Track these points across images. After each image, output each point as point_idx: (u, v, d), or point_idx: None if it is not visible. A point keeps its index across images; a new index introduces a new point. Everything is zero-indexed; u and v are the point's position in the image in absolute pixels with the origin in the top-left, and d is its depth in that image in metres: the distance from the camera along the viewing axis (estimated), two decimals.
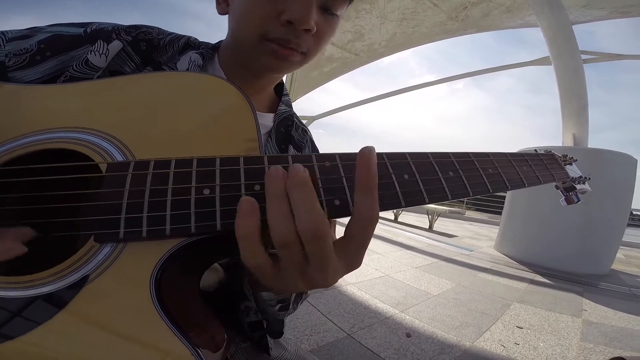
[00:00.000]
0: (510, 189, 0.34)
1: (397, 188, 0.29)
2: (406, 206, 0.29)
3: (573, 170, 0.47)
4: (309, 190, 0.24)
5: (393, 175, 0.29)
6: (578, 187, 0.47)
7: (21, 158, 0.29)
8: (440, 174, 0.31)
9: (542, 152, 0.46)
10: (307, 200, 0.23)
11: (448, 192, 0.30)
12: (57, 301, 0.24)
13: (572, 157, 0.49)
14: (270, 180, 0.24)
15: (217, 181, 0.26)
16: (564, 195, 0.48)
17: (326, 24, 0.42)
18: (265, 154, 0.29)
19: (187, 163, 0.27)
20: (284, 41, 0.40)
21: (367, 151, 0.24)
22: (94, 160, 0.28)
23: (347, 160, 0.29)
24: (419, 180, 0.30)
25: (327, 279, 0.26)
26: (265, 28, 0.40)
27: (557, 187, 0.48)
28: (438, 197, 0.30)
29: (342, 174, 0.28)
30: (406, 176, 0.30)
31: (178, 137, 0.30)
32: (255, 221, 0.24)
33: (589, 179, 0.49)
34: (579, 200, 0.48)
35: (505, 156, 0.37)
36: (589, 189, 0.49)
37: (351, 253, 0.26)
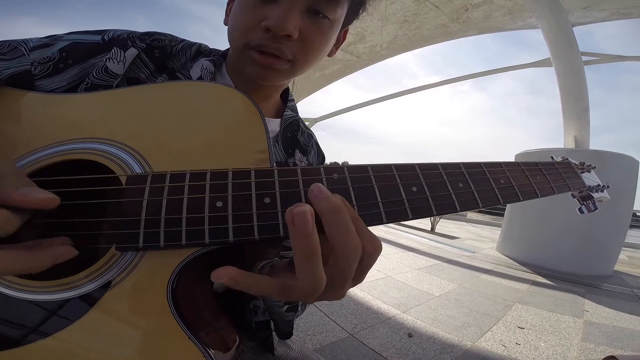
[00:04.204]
0: (522, 200, 0.34)
1: (406, 204, 0.28)
2: (413, 218, 0.29)
3: (591, 178, 0.45)
4: (344, 214, 0.24)
5: (401, 187, 0.29)
6: (595, 195, 0.45)
7: (46, 168, 0.30)
8: (449, 186, 0.30)
9: (559, 159, 0.44)
10: (344, 222, 0.24)
11: (457, 206, 0.30)
12: (78, 307, 0.25)
13: (590, 165, 0.47)
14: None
15: (230, 193, 0.27)
16: (581, 204, 0.46)
17: (314, 27, 0.41)
18: (274, 166, 0.30)
19: (202, 176, 0.28)
20: (263, 47, 0.40)
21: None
22: (113, 171, 0.29)
23: (356, 172, 0.29)
24: (429, 196, 0.29)
25: (343, 293, 0.27)
26: (247, 37, 0.40)
27: (573, 196, 0.46)
28: (446, 210, 0.29)
29: (350, 185, 0.28)
30: (414, 189, 0.29)
31: (192, 147, 0.31)
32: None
33: (608, 186, 0.47)
34: (596, 209, 0.46)
35: (518, 166, 0.36)
36: (608, 197, 0.46)
37: (362, 271, 0.27)
